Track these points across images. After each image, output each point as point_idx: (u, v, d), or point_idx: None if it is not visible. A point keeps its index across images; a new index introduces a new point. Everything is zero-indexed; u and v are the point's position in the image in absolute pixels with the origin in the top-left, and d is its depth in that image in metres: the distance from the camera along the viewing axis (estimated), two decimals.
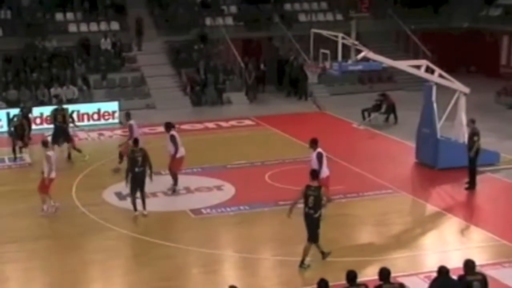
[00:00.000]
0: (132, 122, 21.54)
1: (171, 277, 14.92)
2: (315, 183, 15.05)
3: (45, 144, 18.77)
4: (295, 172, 21.19)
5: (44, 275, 15.40)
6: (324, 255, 15.20)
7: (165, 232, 17.24)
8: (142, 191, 18.05)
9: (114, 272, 15.47)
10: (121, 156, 21.66)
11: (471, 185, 20.21)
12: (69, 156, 23.67)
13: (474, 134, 20.16)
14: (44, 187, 18.30)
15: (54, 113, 24.25)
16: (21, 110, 25.72)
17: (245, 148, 24.50)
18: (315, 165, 17.11)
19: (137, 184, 17.91)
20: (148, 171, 18.08)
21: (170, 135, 19.76)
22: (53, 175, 18.21)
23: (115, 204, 19.41)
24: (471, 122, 20.50)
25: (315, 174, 15.41)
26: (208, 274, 15.20)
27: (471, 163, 20.33)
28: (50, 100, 30.63)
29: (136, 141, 18.48)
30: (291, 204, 15.24)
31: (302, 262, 15.01)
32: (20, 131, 23.88)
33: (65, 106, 25.60)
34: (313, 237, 15.01)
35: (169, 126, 20.04)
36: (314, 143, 17.61)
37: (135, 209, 18.08)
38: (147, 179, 18.17)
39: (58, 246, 16.57)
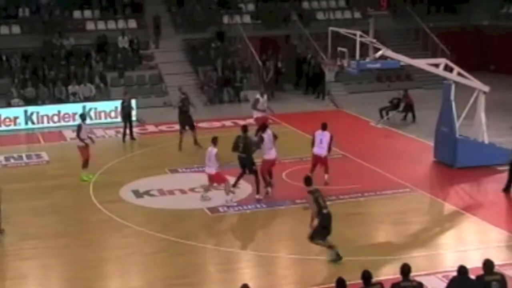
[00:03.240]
0: None
1: (188, 274, 14.91)
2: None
3: (213, 141, 18.87)
4: None
5: (62, 272, 15.44)
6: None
7: (182, 229, 17.23)
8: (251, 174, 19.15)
9: (131, 269, 15.50)
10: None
11: (507, 188, 19.69)
12: (195, 142, 24.40)
13: None
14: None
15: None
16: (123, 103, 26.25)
17: None
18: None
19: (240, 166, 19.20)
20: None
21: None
22: (207, 170, 18.86)
23: (132, 201, 19.42)
24: None
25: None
26: (224, 272, 15.18)
27: None
28: (67, 97, 30.75)
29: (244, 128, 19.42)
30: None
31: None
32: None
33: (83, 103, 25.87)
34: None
35: (261, 128, 20.23)
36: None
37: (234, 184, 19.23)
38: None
39: (76, 243, 16.59)
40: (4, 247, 16.36)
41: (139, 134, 26.95)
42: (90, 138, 21.72)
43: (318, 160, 20.24)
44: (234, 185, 19.22)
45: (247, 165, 19.13)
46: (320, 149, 20.07)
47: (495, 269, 11.84)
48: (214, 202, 18.96)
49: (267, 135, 19.55)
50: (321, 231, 15.01)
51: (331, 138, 20.08)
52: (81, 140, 21.20)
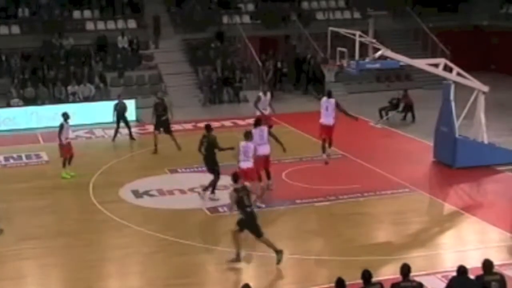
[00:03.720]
0: None
1: (188, 274, 14.91)
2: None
3: (246, 135, 18.44)
4: (312, 171, 21.15)
5: (61, 272, 15.43)
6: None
7: (182, 229, 17.23)
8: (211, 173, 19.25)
9: (130, 269, 15.50)
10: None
11: None
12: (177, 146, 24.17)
13: None
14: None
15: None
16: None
17: None
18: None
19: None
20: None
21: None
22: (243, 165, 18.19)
23: (131, 201, 19.42)
24: None
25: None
26: (224, 272, 15.16)
27: None
28: (67, 97, 30.75)
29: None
30: None
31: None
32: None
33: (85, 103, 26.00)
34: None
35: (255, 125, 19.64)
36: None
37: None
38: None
39: (75, 243, 16.59)
40: (4, 247, 16.33)
41: (139, 134, 26.96)
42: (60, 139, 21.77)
43: (326, 131, 20.38)
44: (212, 192, 19.11)
45: (208, 164, 19.09)
46: (327, 118, 20.25)
47: (494, 269, 11.85)
48: (214, 202, 18.95)
49: (259, 130, 19.02)
50: (244, 224, 15.13)
51: (337, 104, 20.44)
52: (60, 140, 21.47)
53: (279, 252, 15.11)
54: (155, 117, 24.24)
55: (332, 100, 20.58)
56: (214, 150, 19.04)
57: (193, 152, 23.51)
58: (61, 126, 21.50)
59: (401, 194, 19.63)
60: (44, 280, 15.15)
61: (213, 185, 19.08)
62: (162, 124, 24.22)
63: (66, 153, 21.56)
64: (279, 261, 15.04)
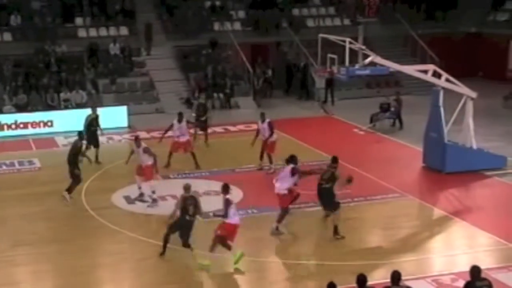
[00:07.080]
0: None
1: (180, 279, 15.04)
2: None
3: None
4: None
5: (54, 278, 15.54)
6: None
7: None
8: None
9: (123, 275, 15.62)
10: None
11: None
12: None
13: None
14: None
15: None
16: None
17: (253, 152, 24.55)
18: None
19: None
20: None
21: None
22: None
23: (123, 207, 19.55)
24: None
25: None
26: (216, 277, 15.30)
27: None
28: (59, 104, 30.84)
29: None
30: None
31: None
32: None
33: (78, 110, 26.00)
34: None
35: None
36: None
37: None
38: None
39: (68, 249, 16.69)
40: None
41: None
42: None
43: None
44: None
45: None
46: None
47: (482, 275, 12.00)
48: (206, 207, 19.05)
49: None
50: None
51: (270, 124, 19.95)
52: None
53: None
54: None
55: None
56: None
57: (185, 158, 23.78)
58: None
59: (391, 199, 19.81)
60: (38, 286, 15.23)
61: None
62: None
63: None
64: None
